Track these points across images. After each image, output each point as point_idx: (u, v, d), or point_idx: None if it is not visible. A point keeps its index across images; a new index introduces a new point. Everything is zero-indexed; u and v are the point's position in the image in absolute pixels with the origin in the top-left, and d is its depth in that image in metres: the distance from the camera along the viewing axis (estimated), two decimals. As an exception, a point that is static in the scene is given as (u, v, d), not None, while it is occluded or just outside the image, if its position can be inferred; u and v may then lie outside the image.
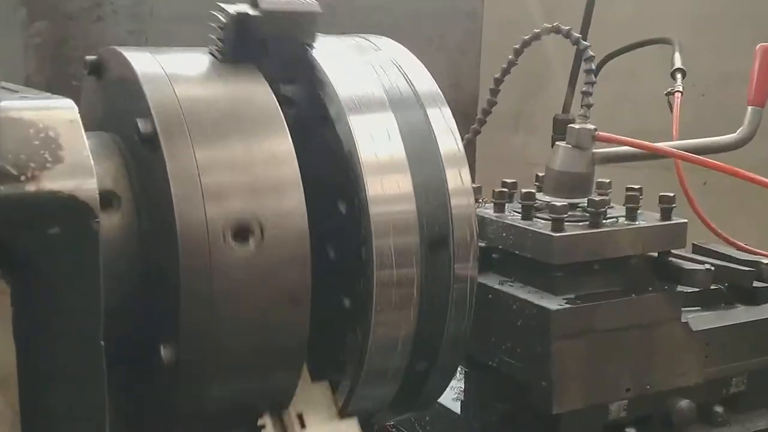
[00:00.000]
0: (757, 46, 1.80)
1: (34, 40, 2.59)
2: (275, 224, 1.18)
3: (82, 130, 0.98)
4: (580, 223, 1.62)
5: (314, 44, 1.35)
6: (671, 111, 1.97)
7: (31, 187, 0.92)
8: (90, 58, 1.32)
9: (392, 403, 1.44)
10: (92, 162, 0.96)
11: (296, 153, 1.23)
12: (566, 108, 1.99)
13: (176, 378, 1.17)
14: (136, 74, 1.22)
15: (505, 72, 1.88)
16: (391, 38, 1.52)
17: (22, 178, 0.92)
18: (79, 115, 0.99)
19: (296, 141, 1.24)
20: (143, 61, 1.25)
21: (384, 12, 2.94)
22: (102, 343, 0.98)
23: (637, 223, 1.65)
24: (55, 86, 1.49)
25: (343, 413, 1.36)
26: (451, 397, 1.83)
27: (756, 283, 1.78)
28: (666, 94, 2.00)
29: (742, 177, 1.58)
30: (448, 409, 1.82)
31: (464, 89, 3.12)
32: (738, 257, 1.84)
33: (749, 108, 1.76)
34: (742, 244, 1.93)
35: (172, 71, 1.24)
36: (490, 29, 3.29)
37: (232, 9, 1.26)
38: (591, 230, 1.60)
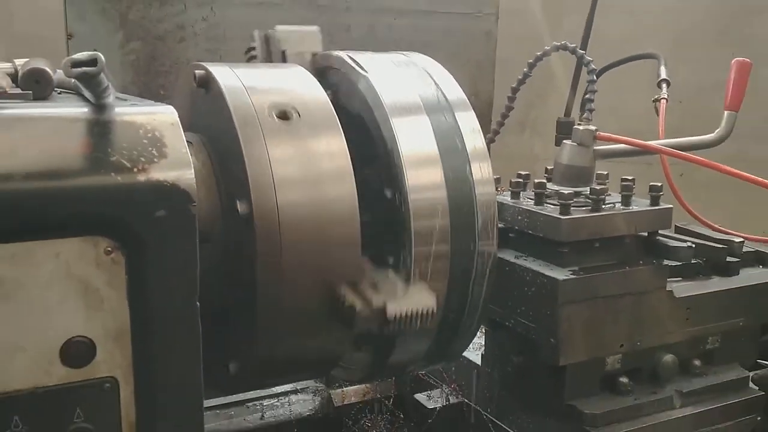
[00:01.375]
0: (733, 60, 1.76)
1: (129, 58, 2.63)
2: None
3: (182, 131, 1.00)
4: (584, 208, 1.62)
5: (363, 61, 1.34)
6: (657, 115, 1.93)
7: (141, 177, 0.94)
8: (199, 72, 1.25)
9: (425, 356, 1.45)
10: (190, 157, 0.98)
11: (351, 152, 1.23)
12: (567, 112, 1.96)
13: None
14: (220, 87, 1.21)
15: (521, 82, 1.87)
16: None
17: (135, 170, 0.94)
18: (178, 119, 1.01)
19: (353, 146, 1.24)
20: (226, 75, 1.24)
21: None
22: (198, 303, 1.00)
23: (630, 207, 1.64)
24: (146, 95, 1.51)
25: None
26: (474, 352, 1.83)
27: (728, 258, 1.76)
28: (653, 101, 1.96)
29: (722, 171, 1.56)
30: (472, 361, 1.83)
31: (481, 97, 3.10)
32: (713, 236, 1.82)
33: (726, 112, 1.73)
34: (717, 226, 1.90)
35: (251, 84, 1.24)
36: (503, 46, 3.26)
37: None
38: (592, 214, 1.59)
